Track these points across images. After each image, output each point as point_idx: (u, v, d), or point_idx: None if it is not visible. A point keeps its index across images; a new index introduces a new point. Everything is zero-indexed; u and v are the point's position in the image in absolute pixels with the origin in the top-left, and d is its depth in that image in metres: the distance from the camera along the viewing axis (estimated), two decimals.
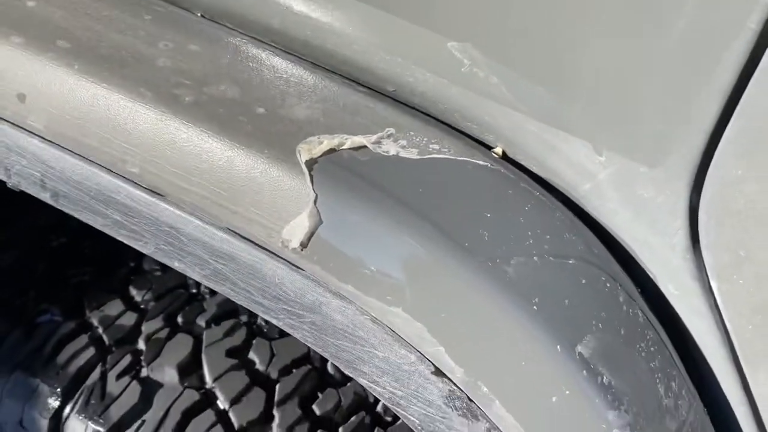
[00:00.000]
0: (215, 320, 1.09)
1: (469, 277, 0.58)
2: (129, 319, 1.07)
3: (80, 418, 0.97)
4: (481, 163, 0.66)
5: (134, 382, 1.00)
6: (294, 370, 1.06)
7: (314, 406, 1.04)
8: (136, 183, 0.65)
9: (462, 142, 0.69)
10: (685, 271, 0.68)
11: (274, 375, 1.05)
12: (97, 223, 0.68)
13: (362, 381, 0.63)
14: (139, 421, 0.97)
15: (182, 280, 1.14)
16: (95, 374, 1.01)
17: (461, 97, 0.71)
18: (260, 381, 1.04)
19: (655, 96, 0.62)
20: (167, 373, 1.02)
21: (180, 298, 1.11)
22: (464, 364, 0.59)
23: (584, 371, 0.58)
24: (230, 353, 1.05)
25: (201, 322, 1.08)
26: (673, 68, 0.60)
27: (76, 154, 0.66)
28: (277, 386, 1.04)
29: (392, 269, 0.59)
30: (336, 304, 0.61)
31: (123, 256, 1.18)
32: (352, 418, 1.05)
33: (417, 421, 0.62)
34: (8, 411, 1.01)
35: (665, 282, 0.70)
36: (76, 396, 0.99)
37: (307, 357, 1.09)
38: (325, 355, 0.63)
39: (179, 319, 1.08)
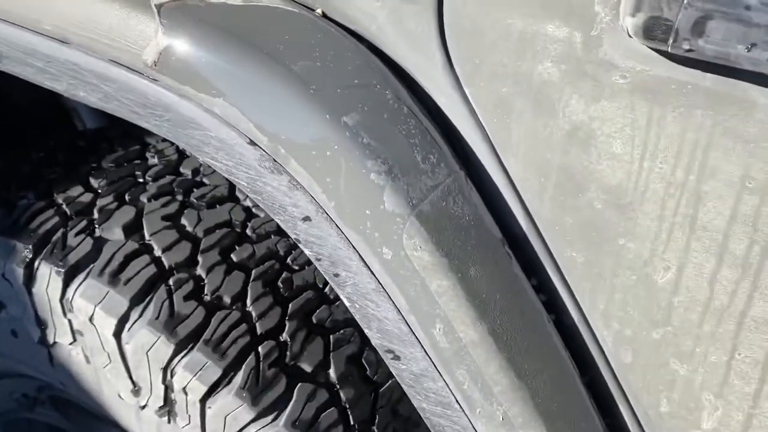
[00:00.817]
0: (155, 197, 1.37)
1: (264, 73, 0.85)
2: (86, 197, 1.36)
3: (46, 264, 1.26)
4: (291, 9, 0.93)
5: (88, 238, 1.28)
6: (217, 231, 1.34)
7: (232, 255, 1.31)
8: (49, 36, 0.93)
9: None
10: (447, 83, 0.94)
11: (200, 234, 1.33)
12: (28, 72, 0.97)
13: (207, 160, 0.90)
14: (91, 265, 1.25)
15: (131, 171, 1.43)
16: (58, 234, 1.30)
17: None
18: (189, 237, 1.31)
19: None
20: (115, 233, 1.30)
21: (128, 183, 1.40)
22: (267, 134, 0.86)
23: (347, 132, 0.84)
24: (165, 218, 1.33)
25: (143, 198, 1.37)
26: None
27: (10, 22, 0.95)
28: (202, 241, 1.31)
29: (215, 72, 0.86)
30: (182, 103, 0.88)
31: (87, 160, 1.48)
32: (264, 264, 1.32)
33: (245, 184, 0.89)
34: None
35: (437, 95, 0.96)
36: (44, 250, 1.28)
37: (228, 222, 1.36)
38: (181, 144, 0.91)
39: (126, 197, 1.37)
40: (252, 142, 0.86)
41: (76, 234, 1.29)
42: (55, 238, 1.29)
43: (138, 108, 0.91)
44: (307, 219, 0.87)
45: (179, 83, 0.87)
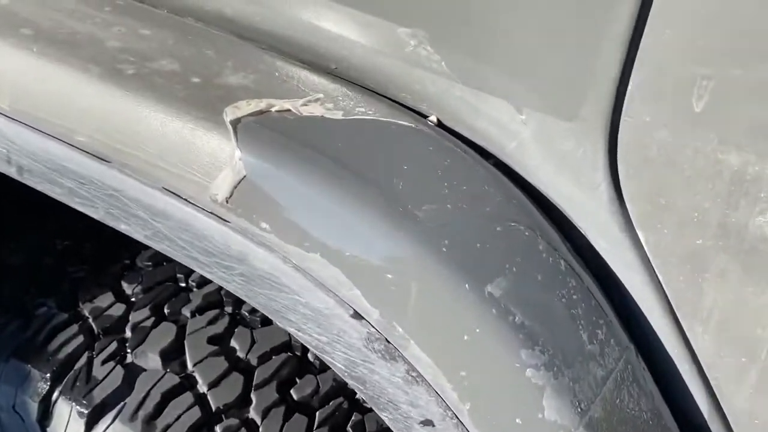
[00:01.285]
0: (200, 310, 1.13)
1: (379, 222, 0.61)
2: (118, 309, 1.12)
3: (66, 399, 1.02)
4: (404, 123, 0.69)
5: (118, 367, 1.04)
6: (273, 357, 1.09)
7: (292, 391, 1.07)
8: (84, 151, 0.70)
9: (388, 106, 0.72)
10: (613, 224, 0.70)
11: (253, 362, 1.08)
12: (55, 192, 0.74)
13: (291, 330, 0.66)
14: (122, 404, 1.01)
15: (171, 274, 1.19)
16: (83, 360, 1.06)
17: (394, 69, 0.75)
18: (239, 367, 1.07)
19: (561, 50, 0.65)
20: (150, 359, 1.06)
21: (167, 290, 1.16)
22: (379, 305, 0.61)
23: (494, 310, 0.60)
24: (212, 341, 1.09)
25: (186, 312, 1.13)
26: (573, 21, 0.63)
27: (33, 128, 0.72)
28: (256, 371, 1.07)
29: (308, 218, 0.62)
30: (260, 253, 0.64)
31: (118, 255, 1.24)
32: (330, 404, 1.07)
33: (342, 366, 0.64)
34: (2, 396, 1.06)
35: (595, 237, 0.71)
36: (64, 381, 1.04)
37: (287, 345, 1.12)
38: (256, 305, 0.67)
39: (165, 310, 1.13)
40: (357, 315, 0.62)
41: (104, 361, 1.05)
42: (78, 365, 1.05)
43: (200, 254, 0.67)
44: (428, 423, 0.62)
45: (259, 228, 0.63)
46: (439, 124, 0.77)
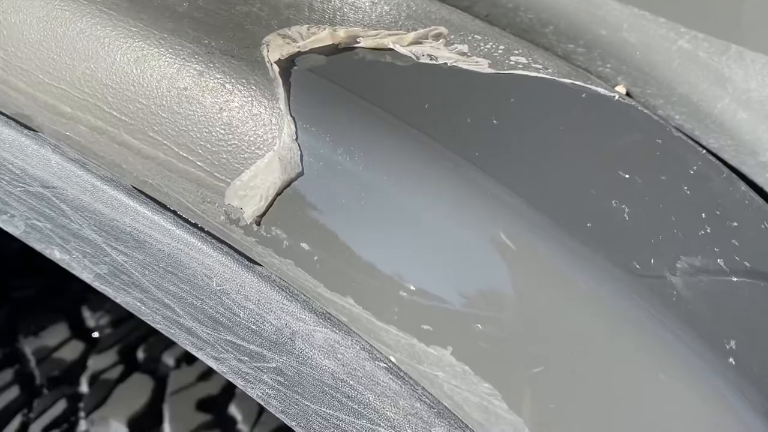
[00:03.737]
0: (188, 358, 0.80)
1: (597, 296, 0.28)
2: (73, 350, 0.79)
3: None
4: (601, 92, 0.37)
5: None
6: None
7: None
8: (9, 116, 0.37)
9: (562, 61, 0.40)
10: None
11: None
12: None
13: None
14: None
15: None
16: (14, 424, 0.73)
17: None
18: None
19: None
20: (113, 429, 0.73)
21: (144, 324, 0.83)
22: None
23: None
24: (203, 405, 0.76)
25: (169, 359, 0.80)
26: None
27: None
28: None
29: (438, 276, 0.29)
30: (323, 335, 0.31)
31: None
32: None
33: None
34: None
35: None
36: None
37: None
38: (299, 430, 0.34)
39: (139, 354, 0.80)
40: None
41: (45, 429, 0.72)
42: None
43: (197, 324, 0.34)
44: None
45: (325, 285, 0.30)
46: (628, 94, 0.44)
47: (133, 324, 0.83)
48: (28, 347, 0.80)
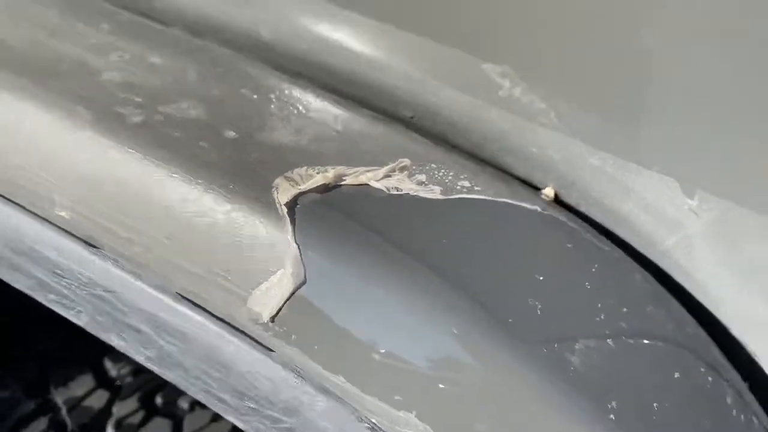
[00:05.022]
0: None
1: (517, 371, 0.40)
2: (99, 398, 0.90)
3: None
4: (529, 207, 0.49)
5: None
6: None
7: None
8: (64, 230, 0.49)
9: (501, 180, 0.51)
10: None
11: None
12: (19, 283, 0.52)
13: None
14: None
15: None
16: None
17: (500, 123, 0.54)
18: None
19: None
20: None
21: None
22: None
23: None
24: None
25: (184, 403, 0.91)
26: None
27: None
28: None
29: (406, 355, 0.41)
30: (322, 404, 0.42)
31: None
32: None
33: None
34: None
35: None
36: None
37: None
38: None
39: (158, 400, 0.91)
40: None
41: None
42: None
43: (228, 395, 0.45)
44: None
45: (323, 367, 0.42)
46: (557, 200, 0.56)
47: (152, 373, 0.93)
48: (59, 397, 0.90)
